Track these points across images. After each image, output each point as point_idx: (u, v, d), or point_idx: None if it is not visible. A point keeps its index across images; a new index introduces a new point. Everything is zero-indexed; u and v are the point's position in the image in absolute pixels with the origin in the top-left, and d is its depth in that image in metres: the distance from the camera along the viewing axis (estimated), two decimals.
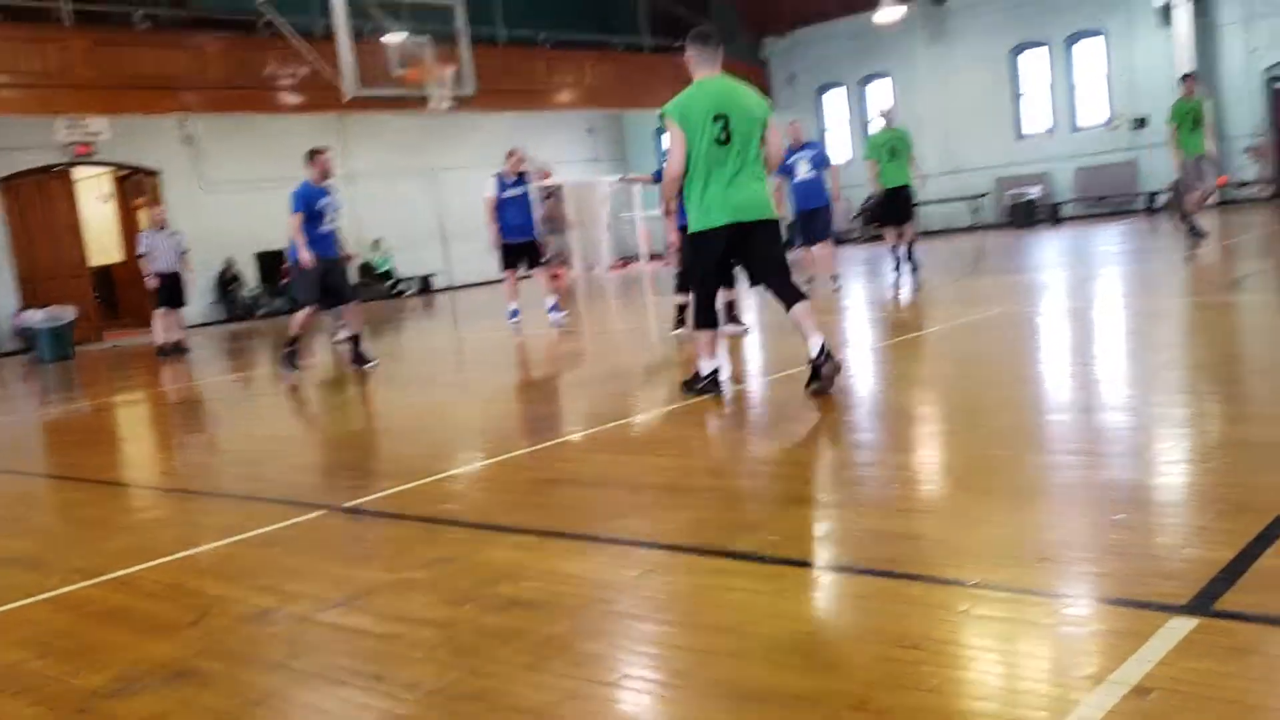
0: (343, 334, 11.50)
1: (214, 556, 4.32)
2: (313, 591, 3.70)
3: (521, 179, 13.14)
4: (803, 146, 12.99)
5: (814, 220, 13.02)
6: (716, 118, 6.08)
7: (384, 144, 25.28)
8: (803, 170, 12.82)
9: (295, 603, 3.59)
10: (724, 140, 6.08)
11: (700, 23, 26.51)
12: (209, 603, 3.71)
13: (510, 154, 13.13)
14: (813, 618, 3.11)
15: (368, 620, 3.35)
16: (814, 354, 6.11)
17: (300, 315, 10.54)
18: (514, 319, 13.12)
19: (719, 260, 6.42)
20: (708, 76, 6.28)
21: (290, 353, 10.57)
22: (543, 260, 13.78)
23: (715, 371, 6.55)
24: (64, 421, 9.83)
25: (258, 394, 10.57)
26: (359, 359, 10.40)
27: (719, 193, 6.13)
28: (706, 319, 6.56)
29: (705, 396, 6.49)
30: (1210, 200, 14.73)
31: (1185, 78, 13.98)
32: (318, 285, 10.30)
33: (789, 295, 6.30)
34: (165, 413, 9.85)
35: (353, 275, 24.63)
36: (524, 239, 13.13)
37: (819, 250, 13.24)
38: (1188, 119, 13.39)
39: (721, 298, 13.27)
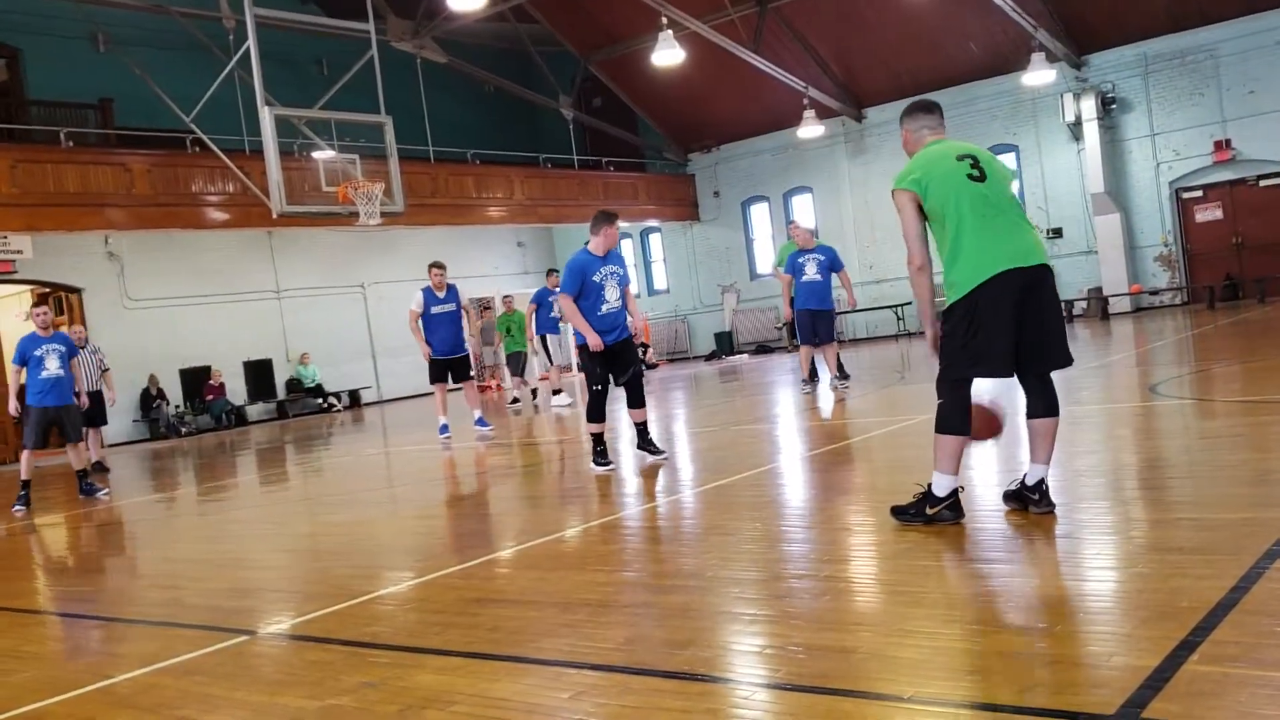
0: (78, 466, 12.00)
1: (131, 687, 4.17)
2: None
3: (452, 292, 13.09)
4: (814, 249, 13.32)
5: (818, 322, 13.25)
6: (962, 157, 5.10)
7: (313, 259, 25.31)
8: (810, 272, 13.11)
9: None
10: (979, 178, 5.05)
11: (629, 139, 26.70)
12: None
13: (435, 268, 13.07)
14: None
15: None
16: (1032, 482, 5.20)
17: (24, 458, 11.43)
18: (445, 434, 13.04)
19: (1011, 320, 4.94)
20: (936, 140, 5.35)
21: (22, 495, 11.20)
22: (470, 374, 13.74)
23: (955, 492, 5.19)
24: None
25: (178, 515, 10.34)
26: (86, 490, 11.69)
27: (983, 237, 4.97)
28: (960, 418, 5.13)
29: (939, 524, 5.16)
30: None
31: None
32: (35, 430, 11.27)
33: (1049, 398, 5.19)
34: (82, 535, 9.56)
35: (281, 389, 24.57)
36: (453, 355, 13.08)
37: (825, 352, 13.46)
38: None
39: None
